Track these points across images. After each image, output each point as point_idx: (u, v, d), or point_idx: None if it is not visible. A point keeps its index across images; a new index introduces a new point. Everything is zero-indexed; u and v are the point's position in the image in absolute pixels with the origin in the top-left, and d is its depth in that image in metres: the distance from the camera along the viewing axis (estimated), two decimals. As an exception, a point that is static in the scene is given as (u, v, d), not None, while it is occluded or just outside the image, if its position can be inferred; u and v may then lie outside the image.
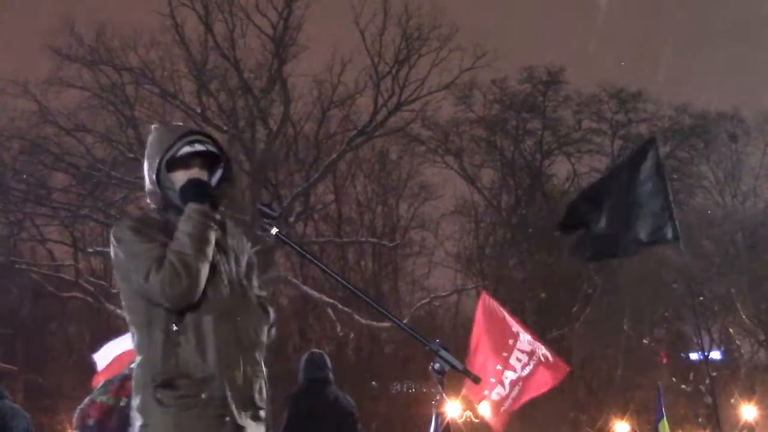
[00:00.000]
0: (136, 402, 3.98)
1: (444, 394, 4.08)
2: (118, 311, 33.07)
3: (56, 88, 34.86)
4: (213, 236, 4.07)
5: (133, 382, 4.04)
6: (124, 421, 5.18)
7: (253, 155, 36.52)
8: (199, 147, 4.22)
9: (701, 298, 37.62)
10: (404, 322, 4.28)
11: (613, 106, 43.10)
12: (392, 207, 42.96)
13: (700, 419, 35.11)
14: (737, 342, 40.24)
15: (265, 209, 4.00)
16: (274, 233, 3.96)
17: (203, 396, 3.96)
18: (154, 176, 4.18)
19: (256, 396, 4.13)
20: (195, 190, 4.12)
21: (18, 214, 36.09)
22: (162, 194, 4.18)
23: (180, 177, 4.17)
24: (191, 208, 4.07)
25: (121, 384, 5.38)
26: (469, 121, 43.17)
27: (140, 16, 36.91)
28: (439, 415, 4.11)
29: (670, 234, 9.43)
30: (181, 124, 4.40)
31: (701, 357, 33.26)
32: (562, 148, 44.35)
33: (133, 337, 4.11)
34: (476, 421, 33.75)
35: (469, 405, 33.17)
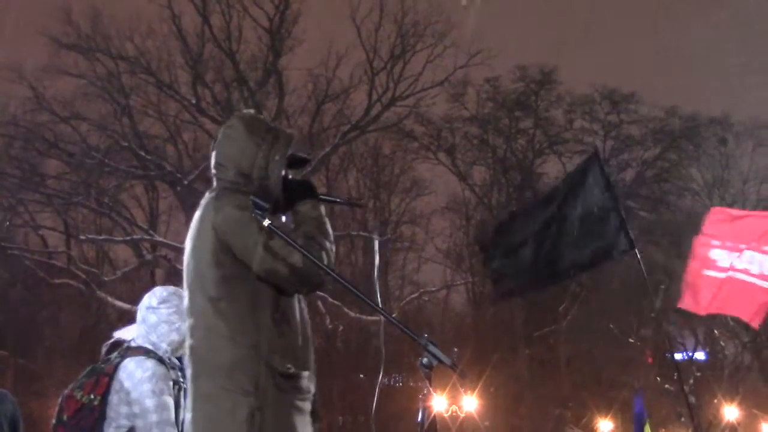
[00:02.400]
0: (240, 385, 3.96)
1: (431, 388, 4.08)
2: (109, 299, 33.18)
3: (52, 75, 34.85)
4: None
5: (227, 367, 4.00)
6: (97, 417, 5.18)
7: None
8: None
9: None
10: (393, 316, 4.28)
11: (605, 106, 43.15)
12: (384, 202, 42.99)
13: (683, 419, 35.15)
14: (722, 343, 40.36)
15: (258, 201, 4.00)
16: (266, 225, 3.96)
17: (304, 386, 4.09)
18: (268, 162, 4.20)
19: None
20: (311, 189, 4.29)
21: (11, 199, 35.97)
22: (265, 182, 4.20)
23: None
24: (318, 205, 4.25)
25: (96, 380, 5.35)
26: (462, 119, 43.24)
27: (138, 5, 36.79)
28: (425, 408, 4.11)
29: (623, 246, 9.36)
30: (275, 124, 4.47)
31: (685, 357, 33.30)
32: (553, 148, 44.40)
33: (219, 318, 4.05)
34: (462, 415, 33.85)
35: (455, 400, 33.28)
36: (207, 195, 4.29)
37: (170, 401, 5.24)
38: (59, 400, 5.46)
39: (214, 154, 4.33)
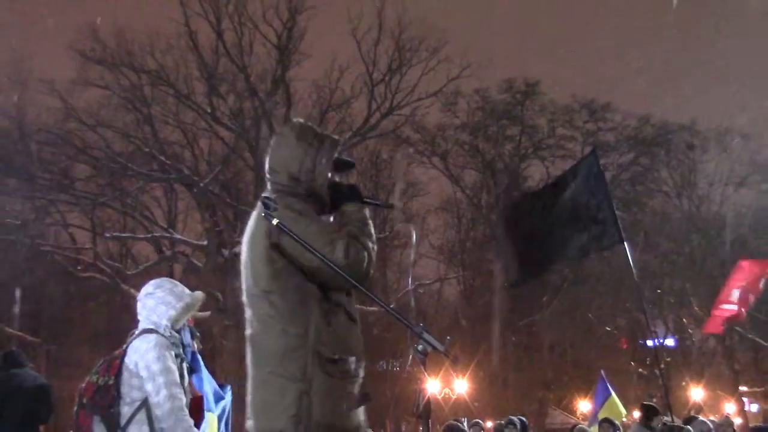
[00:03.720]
0: (290, 372, 4.02)
1: (426, 373, 4.07)
2: (132, 291, 33.11)
3: (80, 88, 34.84)
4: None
5: (278, 354, 4.06)
6: (113, 395, 5.23)
7: (258, 152, 36.47)
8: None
9: (659, 291, 37.74)
10: (391, 306, 4.29)
11: (584, 115, 43.23)
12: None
13: (654, 400, 35.18)
14: (689, 331, 40.40)
15: (268, 201, 4.00)
16: (275, 223, 3.96)
17: (355, 373, 4.13)
18: (315, 166, 4.23)
19: None
20: (356, 192, 4.32)
21: (43, 200, 35.94)
22: (313, 184, 4.23)
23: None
24: (362, 207, 4.28)
25: (110, 363, 5.40)
26: (454, 126, 43.39)
27: (158, 23, 36.82)
28: (421, 391, 4.10)
29: (615, 237, 9.37)
30: (323, 130, 4.52)
31: (656, 344, 33.30)
32: (537, 153, 44.50)
33: (273, 310, 4.12)
34: (454, 397, 33.87)
35: (448, 383, 33.28)
36: (262, 197, 4.22)
37: (174, 366, 5.30)
38: (80, 387, 5.49)
39: (267, 159, 4.35)
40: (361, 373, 4.17)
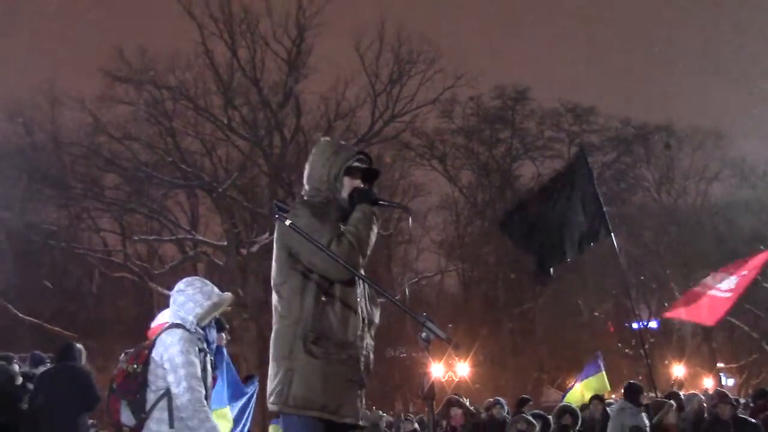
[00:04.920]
0: (281, 351, 4.23)
1: (430, 358, 4.07)
2: (159, 289, 33.18)
3: (108, 104, 34.94)
4: (375, 228, 4.36)
5: (278, 337, 4.29)
6: (140, 382, 5.22)
7: (271, 159, 36.51)
8: (360, 164, 4.51)
9: (642, 277, 37.70)
10: (396, 298, 4.31)
11: (569, 118, 43.21)
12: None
13: (640, 377, 35.11)
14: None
15: (281, 204, 4.11)
16: (288, 224, 3.98)
17: (343, 356, 4.22)
18: (330, 176, 4.41)
19: (370, 366, 4.40)
20: (365, 194, 4.42)
21: (77, 208, 36.09)
22: (330, 191, 4.42)
23: (346, 183, 4.43)
24: (364, 206, 4.37)
25: (138, 352, 5.40)
26: (451, 131, 43.34)
27: (177, 43, 36.95)
28: (425, 374, 4.09)
29: (603, 233, 9.37)
30: (346, 143, 4.66)
31: (641, 326, 33.23)
32: (527, 154, 44.51)
33: (280, 300, 4.33)
34: (456, 379, 33.83)
35: (450, 367, 33.25)
36: (274, 202, 4.48)
37: (196, 360, 5.28)
38: (113, 374, 5.50)
39: (305, 175, 4.58)
40: (352, 358, 4.25)
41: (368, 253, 4.29)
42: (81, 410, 9.61)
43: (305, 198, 4.45)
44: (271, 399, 4.21)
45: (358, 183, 4.43)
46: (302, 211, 4.26)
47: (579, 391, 16.38)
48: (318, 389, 4.13)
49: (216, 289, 5.65)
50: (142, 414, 5.21)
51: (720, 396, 9.88)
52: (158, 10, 49.92)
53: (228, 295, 5.74)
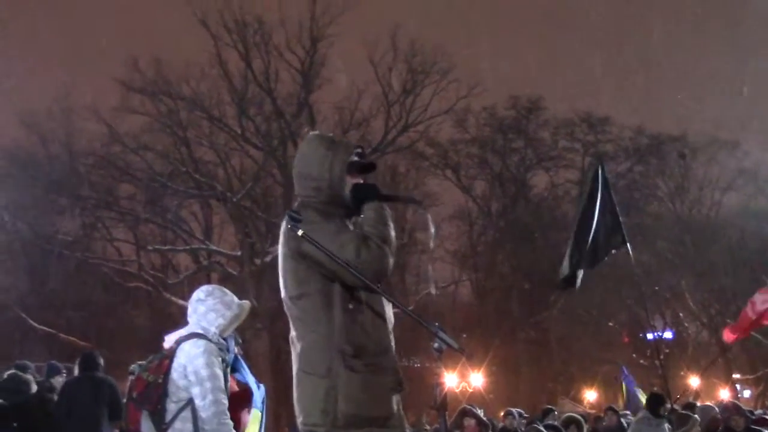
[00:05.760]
0: (317, 369, 3.98)
1: (443, 368, 4.04)
2: (173, 298, 33.24)
3: (123, 114, 35.10)
4: (392, 226, 4.16)
5: (310, 353, 4.03)
6: (161, 393, 5.19)
7: (285, 169, 36.52)
8: (356, 158, 4.24)
9: (656, 288, 37.52)
10: (410, 308, 4.27)
11: (584, 128, 43.10)
12: (400, 212, 42.94)
13: (655, 388, 34.95)
14: (685, 324, 40.16)
15: (294, 214, 4.00)
16: (300, 234, 3.94)
17: (383, 365, 4.07)
18: (333, 174, 4.13)
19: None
20: (372, 191, 4.20)
21: (91, 218, 36.22)
22: (333, 190, 4.14)
23: (347, 180, 4.17)
24: (379, 204, 4.14)
25: (159, 363, 5.38)
26: (465, 141, 43.31)
27: (192, 54, 37.04)
28: (438, 385, 4.06)
29: (620, 240, 9.37)
30: (339, 136, 4.45)
31: (655, 337, 33.04)
32: (541, 164, 44.40)
33: (303, 313, 4.08)
34: (470, 390, 33.72)
35: (464, 377, 33.15)
36: (287, 212, 4.22)
37: (220, 372, 5.27)
38: (129, 381, 5.48)
39: (294, 174, 4.30)
40: (390, 365, 4.12)
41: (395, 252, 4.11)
42: (105, 420, 9.64)
43: (305, 200, 4.20)
44: (313, 419, 3.99)
45: (358, 179, 4.24)
46: (314, 217, 4.06)
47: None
48: (365, 405, 4.00)
49: (236, 299, 5.65)
50: (162, 425, 5.19)
51: (734, 408, 9.80)
52: (173, 22, 50.04)
53: (247, 303, 5.73)
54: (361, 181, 4.26)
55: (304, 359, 4.04)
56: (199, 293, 5.58)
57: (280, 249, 4.20)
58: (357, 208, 4.18)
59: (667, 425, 10.50)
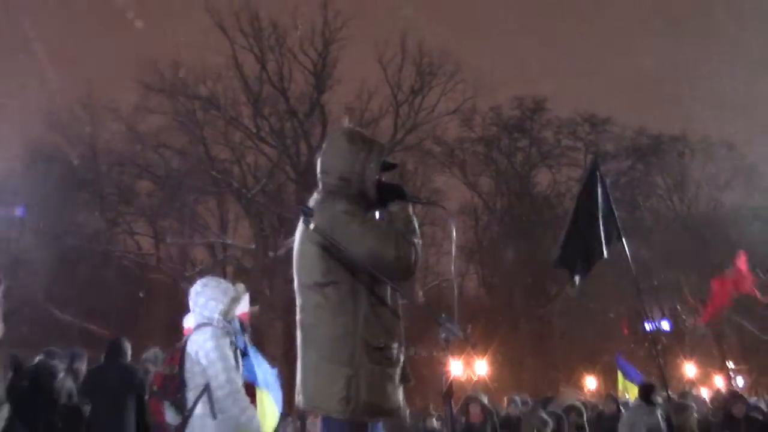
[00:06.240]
0: (339, 357, 3.97)
1: (450, 357, 4.07)
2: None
3: (142, 114, 35.19)
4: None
5: (333, 341, 4.01)
6: (178, 382, 5.28)
7: (298, 167, 36.62)
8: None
9: (655, 282, 37.44)
10: (421, 299, 4.30)
11: (586, 128, 43.08)
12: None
13: (653, 378, 34.93)
14: (683, 316, 40.10)
15: (307, 210, 4.01)
16: (312, 228, 3.96)
17: (399, 357, 4.10)
18: (367, 170, 4.15)
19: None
20: (401, 192, 4.23)
21: (112, 213, 36.35)
22: (363, 185, 4.15)
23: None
24: (407, 206, 4.19)
25: (172, 356, 5.46)
26: (471, 140, 43.36)
27: (208, 55, 37.08)
28: (445, 374, 4.10)
29: (616, 235, 9.38)
30: (371, 135, 4.46)
31: (653, 328, 33.01)
32: (545, 162, 44.35)
33: (326, 302, 4.04)
34: (475, 378, 33.74)
35: (469, 366, 33.17)
36: (315, 196, 4.23)
37: (230, 353, 5.35)
38: (149, 378, 5.58)
39: (320, 161, 4.27)
40: (402, 358, 4.15)
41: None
42: (132, 406, 9.66)
43: (333, 189, 4.17)
44: (331, 406, 3.97)
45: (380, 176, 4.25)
46: (348, 206, 4.06)
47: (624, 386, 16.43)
48: (384, 395, 4.02)
49: (230, 284, 5.76)
50: (184, 412, 5.26)
51: (733, 395, 9.80)
52: (191, 25, 50.18)
53: (241, 286, 5.85)
54: (382, 179, 4.25)
55: (325, 347, 4.01)
56: (196, 287, 5.70)
57: (301, 237, 4.19)
58: (378, 204, 4.20)
59: (659, 412, 10.53)
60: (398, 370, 4.12)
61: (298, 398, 4.10)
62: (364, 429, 4.04)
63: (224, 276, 34.62)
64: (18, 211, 30.10)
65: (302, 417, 14.39)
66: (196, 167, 35.84)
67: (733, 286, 11.10)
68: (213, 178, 35.87)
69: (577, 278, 9.99)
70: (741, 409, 9.25)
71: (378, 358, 4.00)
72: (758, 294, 11.12)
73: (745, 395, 12.91)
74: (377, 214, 4.24)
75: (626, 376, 16.39)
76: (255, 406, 5.80)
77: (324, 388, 3.98)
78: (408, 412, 4.21)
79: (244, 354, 5.87)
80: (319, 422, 4.19)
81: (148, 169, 35.67)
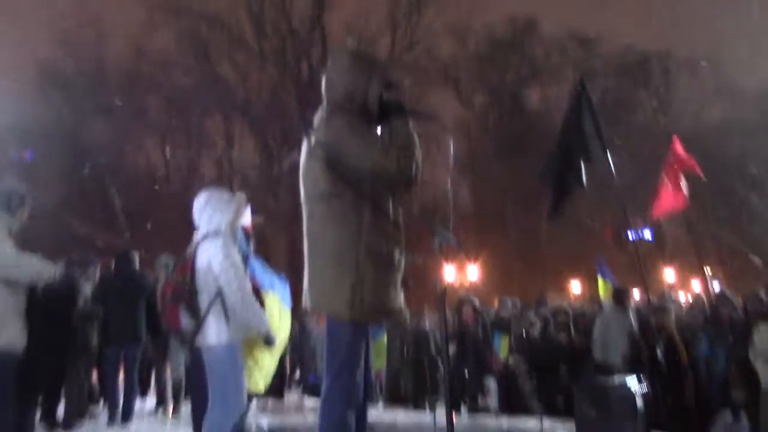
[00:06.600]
0: (345, 263, 4.00)
1: (443, 262, 4.12)
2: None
3: (149, 31, 34.78)
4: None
5: (338, 249, 4.04)
6: (190, 289, 5.35)
7: (300, 85, 36.37)
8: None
9: (640, 194, 37.52)
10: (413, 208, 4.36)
11: (574, 46, 42.68)
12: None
13: (635, 283, 35.30)
14: (663, 224, 40.40)
15: (307, 125, 4.03)
16: (313, 142, 3.99)
17: (398, 264, 4.14)
18: (370, 89, 4.14)
19: None
20: (401, 107, 4.18)
21: (123, 129, 36.21)
22: (366, 101, 4.15)
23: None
24: (408, 121, 4.15)
25: (183, 264, 5.51)
26: (465, 58, 42.94)
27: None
28: (439, 278, 4.16)
29: (601, 149, 9.38)
30: (373, 54, 4.45)
31: (636, 237, 33.19)
32: (536, 78, 44.10)
33: (333, 213, 4.07)
34: (467, 284, 34.18)
35: (461, 271, 33.56)
36: (320, 113, 4.22)
37: (239, 261, 5.41)
38: (160, 287, 5.63)
39: (324, 79, 4.25)
40: (403, 264, 4.19)
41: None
42: (142, 315, 9.84)
43: (337, 105, 4.16)
44: (336, 307, 4.05)
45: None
46: (353, 121, 4.06)
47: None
48: (387, 298, 4.09)
49: (231, 195, 5.79)
50: (198, 318, 5.36)
51: (721, 296, 9.93)
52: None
53: (242, 195, 5.86)
54: (384, 95, 4.23)
55: (331, 254, 4.06)
56: (199, 201, 5.72)
57: (308, 151, 4.19)
58: (381, 119, 4.20)
59: (631, 314, 10.74)
60: (399, 276, 4.17)
61: (306, 301, 4.18)
62: (365, 329, 4.15)
63: (231, 189, 34.78)
64: (27, 155, 30.06)
65: (301, 320, 14.64)
66: (203, 85, 35.59)
67: (678, 166, 11.02)
68: (218, 96, 35.64)
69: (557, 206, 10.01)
70: (728, 310, 9.40)
71: (381, 264, 4.05)
72: (701, 174, 11.05)
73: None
74: (379, 129, 4.23)
75: (605, 278, 16.56)
76: (264, 309, 5.90)
77: (330, 293, 4.04)
78: (408, 314, 4.30)
79: (246, 260, 5.94)
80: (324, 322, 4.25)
81: (156, 86, 35.40)
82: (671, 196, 10.80)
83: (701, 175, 10.75)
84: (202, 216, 5.65)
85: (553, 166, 9.64)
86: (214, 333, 5.34)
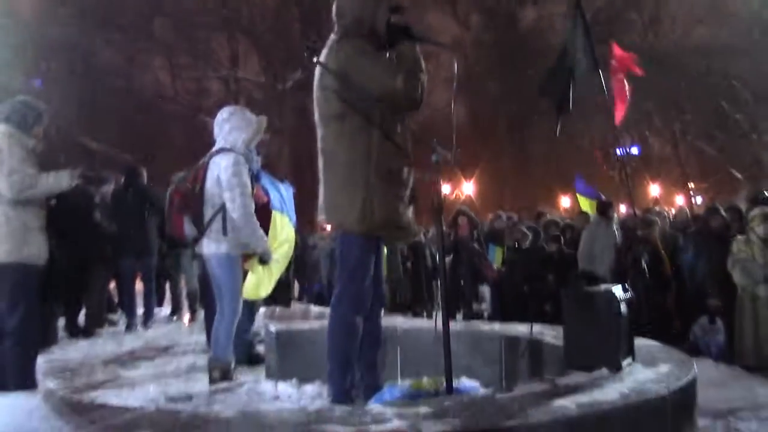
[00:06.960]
0: (356, 181, 4.07)
1: (440, 177, 4.15)
2: (207, 119, 33.14)
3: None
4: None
5: (349, 167, 4.09)
6: (197, 199, 5.37)
7: (303, 5, 35.84)
8: None
9: (629, 111, 37.25)
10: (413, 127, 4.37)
11: (568, -35, 41.75)
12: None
13: (622, 197, 35.44)
14: (650, 141, 40.34)
15: (310, 44, 4.02)
16: (315, 61, 3.99)
17: (405, 181, 4.23)
18: (378, 12, 4.17)
19: None
20: (410, 32, 4.20)
21: (131, 50, 35.72)
22: (374, 26, 4.16)
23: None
24: (414, 46, 4.19)
25: (195, 174, 5.51)
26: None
27: None
28: (436, 192, 4.19)
29: (590, 67, 9.31)
30: None
31: (624, 153, 33.17)
32: (530, -2, 43.44)
33: (344, 132, 4.11)
34: (462, 197, 34.30)
35: (457, 186, 33.63)
36: (332, 37, 4.23)
37: (248, 180, 5.43)
38: (168, 192, 5.64)
39: (335, 5, 4.26)
40: (411, 181, 4.26)
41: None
42: (153, 224, 9.91)
43: (347, 29, 4.19)
44: (349, 221, 4.12)
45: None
46: (363, 45, 4.08)
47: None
48: (397, 213, 4.16)
49: (253, 116, 5.75)
50: (201, 226, 5.40)
51: (712, 209, 9.96)
52: None
53: (263, 118, 5.84)
54: (392, 20, 4.23)
55: (344, 171, 4.11)
56: (223, 113, 5.68)
57: (320, 73, 4.20)
58: (388, 43, 4.20)
59: (615, 226, 10.81)
60: (407, 192, 4.23)
61: (321, 216, 4.26)
62: (376, 242, 4.27)
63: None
64: (35, 83, 29.69)
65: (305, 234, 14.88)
66: (207, 6, 34.98)
67: (619, 67, 10.92)
68: (224, 16, 35.10)
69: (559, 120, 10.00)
70: (718, 221, 9.45)
71: (390, 180, 4.11)
72: (639, 71, 10.95)
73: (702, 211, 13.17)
74: (387, 53, 4.21)
75: (585, 195, 16.42)
76: (269, 227, 5.93)
77: (343, 208, 4.12)
78: (416, 226, 4.38)
79: (258, 179, 5.95)
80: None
81: (163, 6, 34.71)
82: (623, 100, 10.74)
83: (639, 72, 10.64)
84: (221, 130, 5.63)
85: (553, 81, 9.59)
86: (213, 243, 5.40)
